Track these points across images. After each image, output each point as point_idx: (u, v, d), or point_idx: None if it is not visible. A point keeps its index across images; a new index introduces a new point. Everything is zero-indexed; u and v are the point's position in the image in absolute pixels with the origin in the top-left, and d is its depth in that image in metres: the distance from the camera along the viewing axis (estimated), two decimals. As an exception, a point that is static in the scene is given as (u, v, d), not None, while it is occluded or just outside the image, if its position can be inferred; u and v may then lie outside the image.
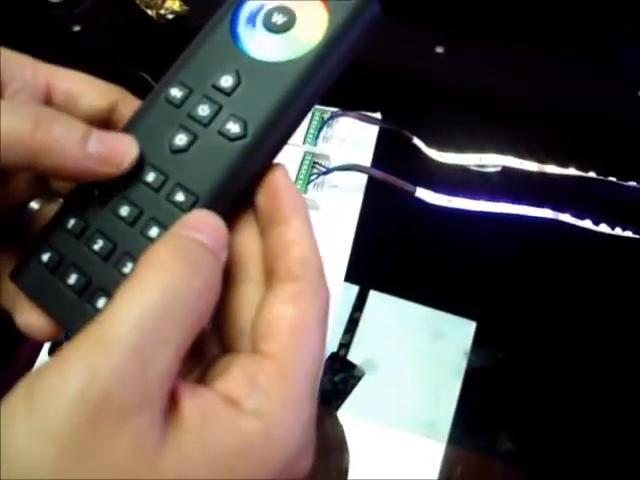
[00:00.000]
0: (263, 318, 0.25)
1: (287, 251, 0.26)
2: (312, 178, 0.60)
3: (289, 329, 0.24)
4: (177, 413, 0.22)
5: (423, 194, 0.60)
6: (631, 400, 0.52)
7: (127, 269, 0.27)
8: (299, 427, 0.23)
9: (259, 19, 0.29)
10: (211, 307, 0.24)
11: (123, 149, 0.28)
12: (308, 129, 0.63)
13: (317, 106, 0.64)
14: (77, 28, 0.75)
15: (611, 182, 0.61)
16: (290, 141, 0.61)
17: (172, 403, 0.22)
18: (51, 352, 0.41)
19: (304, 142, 0.62)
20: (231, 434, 0.22)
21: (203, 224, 0.25)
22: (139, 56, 0.71)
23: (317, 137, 0.63)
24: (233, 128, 0.27)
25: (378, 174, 0.60)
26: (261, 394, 0.23)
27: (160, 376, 0.21)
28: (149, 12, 0.75)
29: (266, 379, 0.23)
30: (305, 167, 0.61)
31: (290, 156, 0.61)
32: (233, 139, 0.27)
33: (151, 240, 0.27)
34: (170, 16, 0.75)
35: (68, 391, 0.20)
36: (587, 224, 0.59)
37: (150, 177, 0.28)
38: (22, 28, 0.75)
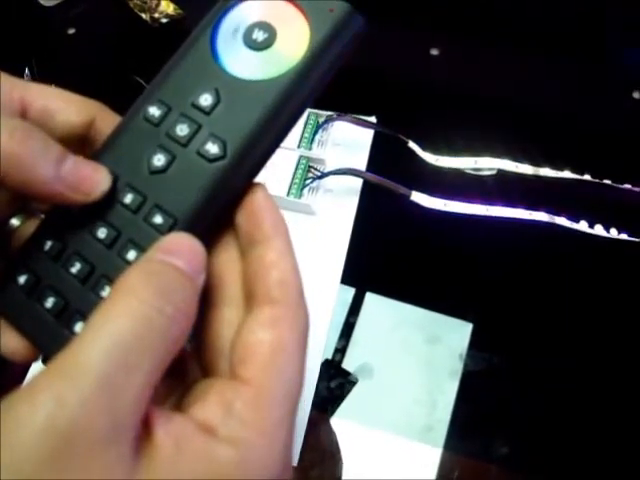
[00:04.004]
0: (241, 342, 0.25)
1: (267, 273, 0.26)
2: (307, 182, 0.60)
3: (267, 354, 0.24)
4: (150, 440, 0.22)
5: (418, 198, 0.60)
6: (629, 403, 0.52)
7: (104, 292, 0.26)
8: (275, 454, 0.23)
9: (239, 35, 0.29)
10: (185, 333, 0.23)
11: (95, 179, 0.27)
12: (303, 133, 0.62)
13: (312, 110, 0.63)
14: (71, 31, 0.75)
15: (606, 185, 0.61)
16: (285, 145, 0.61)
17: (145, 430, 0.22)
18: (45, 360, 0.41)
19: (299, 146, 0.62)
20: (205, 462, 0.22)
21: (180, 248, 0.25)
22: (133, 60, 0.71)
23: (312, 141, 0.62)
24: (212, 149, 0.27)
25: (373, 178, 0.60)
26: (237, 421, 0.23)
27: (130, 405, 0.21)
28: (143, 16, 0.75)
29: (242, 406, 0.23)
30: (300, 171, 0.60)
31: (285, 160, 0.61)
32: (212, 160, 0.27)
33: (129, 263, 0.26)
34: (164, 20, 0.75)
35: (36, 421, 0.20)
36: (582, 227, 0.59)
37: (128, 198, 0.27)
38: (16, 32, 0.75)
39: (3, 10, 0.74)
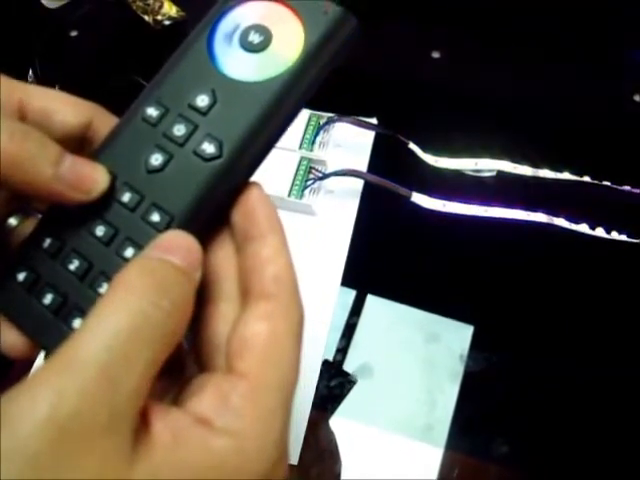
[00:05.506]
0: (237, 336, 0.25)
1: (262, 269, 0.26)
2: (308, 183, 0.60)
3: (261, 347, 0.25)
4: (148, 433, 0.22)
5: (419, 199, 0.60)
6: (628, 404, 0.52)
7: (102, 289, 0.27)
8: (271, 443, 0.24)
9: (235, 38, 0.29)
10: (182, 327, 0.24)
11: (94, 178, 0.28)
12: (304, 134, 0.63)
13: (313, 111, 0.64)
14: (74, 33, 0.75)
15: (606, 186, 0.61)
16: (286, 146, 0.62)
17: (143, 423, 0.22)
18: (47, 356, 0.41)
19: (300, 147, 0.62)
20: (202, 453, 0.22)
21: (176, 245, 0.25)
22: (135, 62, 0.71)
23: (313, 142, 0.62)
24: (208, 148, 0.27)
25: (374, 179, 0.60)
26: (233, 413, 0.23)
27: (128, 397, 0.21)
28: (146, 18, 0.75)
29: (238, 399, 0.24)
30: (301, 172, 0.61)
31: (286, 161, 0.61)
32: (208, 159, 0.27)
33: (126, 260, 0.27)
34: (167, 22, 0.75)
35: (37, 413, 0.20)
36: (582, 228, 0.59)
37: (126, 197, 0.28)
38: (19, 34, 0.75)
39: (6, 11, 0.74)
